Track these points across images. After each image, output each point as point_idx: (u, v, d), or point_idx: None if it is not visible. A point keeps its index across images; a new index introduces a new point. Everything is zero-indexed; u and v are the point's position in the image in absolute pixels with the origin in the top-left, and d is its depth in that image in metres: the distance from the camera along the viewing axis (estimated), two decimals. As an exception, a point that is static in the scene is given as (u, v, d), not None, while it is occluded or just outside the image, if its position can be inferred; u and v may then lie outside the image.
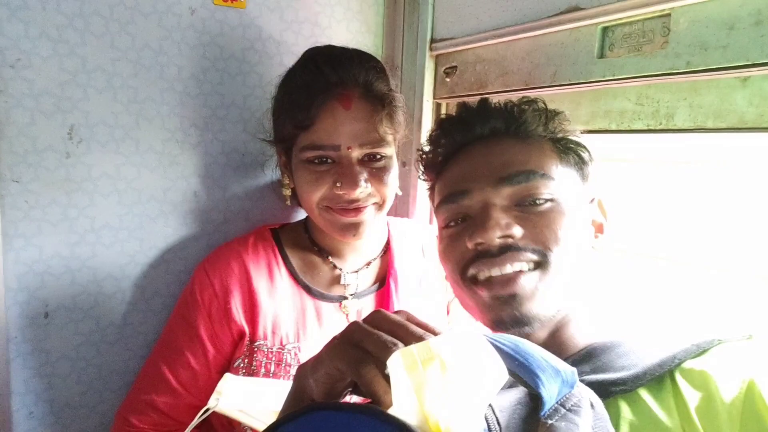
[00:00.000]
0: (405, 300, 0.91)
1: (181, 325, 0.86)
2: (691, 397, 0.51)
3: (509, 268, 0.61)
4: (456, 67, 1.04)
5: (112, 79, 0.89)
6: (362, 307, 0.91)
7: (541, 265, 0.61)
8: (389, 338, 0.44)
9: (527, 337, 0.62)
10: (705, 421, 0.49)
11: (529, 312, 0.61)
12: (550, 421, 0.48)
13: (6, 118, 0.82)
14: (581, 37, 0.80)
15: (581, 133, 0.71)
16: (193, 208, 1.00)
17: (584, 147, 0.70)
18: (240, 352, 0.85)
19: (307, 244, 0.94)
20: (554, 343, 0.64)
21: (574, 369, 0.51)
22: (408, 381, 0.43)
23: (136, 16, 0.89)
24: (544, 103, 0.69)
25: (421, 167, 0.78)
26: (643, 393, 0.55)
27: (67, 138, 0.87)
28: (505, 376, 0.47)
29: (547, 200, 0.63)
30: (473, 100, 0.74)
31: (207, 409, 0.70)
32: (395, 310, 0.70)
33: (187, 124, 0.97)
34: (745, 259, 0.79)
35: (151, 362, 0.88)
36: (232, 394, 0.71)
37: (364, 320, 0.48)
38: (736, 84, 0.66)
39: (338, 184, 0.81)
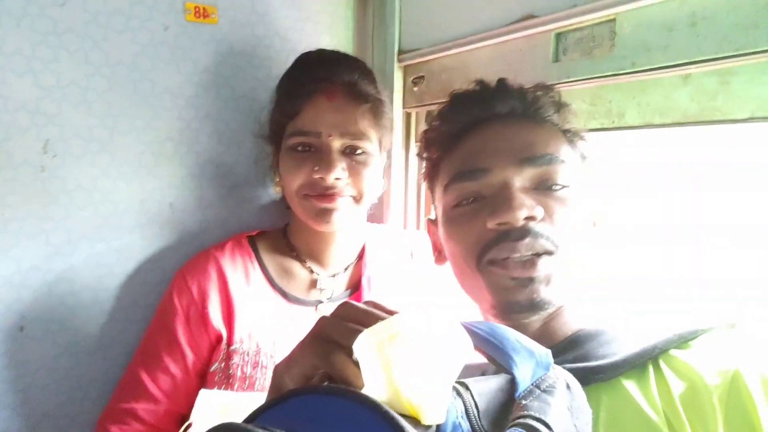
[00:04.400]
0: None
1: (160, 332, 0.88)
2: (676, 385, 0.52)
3: (529, 250, 0.60)
4: (423, 76, 1.08)
5: (87, 93, 0.91)
6: None
7: (555, 252, 0.60)
8: (354, 326, 0.45)
9: (528, 324, 0.63)
10: (689, 410, 0.50)
11: (546, 296, 0.60)
12: (524, 402, 0.48)
13: (-19, 134, 0.84)
14: (537, 43, 0.84)
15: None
16: (169, 219, 1.01)
17: (586, 142, 0.70)
18: (217, 356, 0.86)
19: (284, 250, 0.96)
20: (546, 331, 0.64)
21: (549, 351, 0.52)
22: (375, 359, 0.44)
23: (109, 33, 0.92)
24: (559, 93, 0.70)
25: (424, 143, 0.76)
26: (625, 381, 0.55)
27: (42, 152, 0.88)
28: (471, 349, 0.49)
29: (563, 186, 0.62)
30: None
31: (189, 424, 0.71)
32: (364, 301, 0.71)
33: (162, 136, 0.99)
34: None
35: (131, 370, 0.89)
36: (207, 411, 0.72)
37: (332, 313, 0.49)
38: (678, 82, 0.70)
39: (316, 168, 0.85)
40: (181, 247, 1.03)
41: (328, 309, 0.92)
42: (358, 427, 0.38)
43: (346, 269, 0.98)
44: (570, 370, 0.55)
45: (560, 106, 0.69)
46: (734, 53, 0.62)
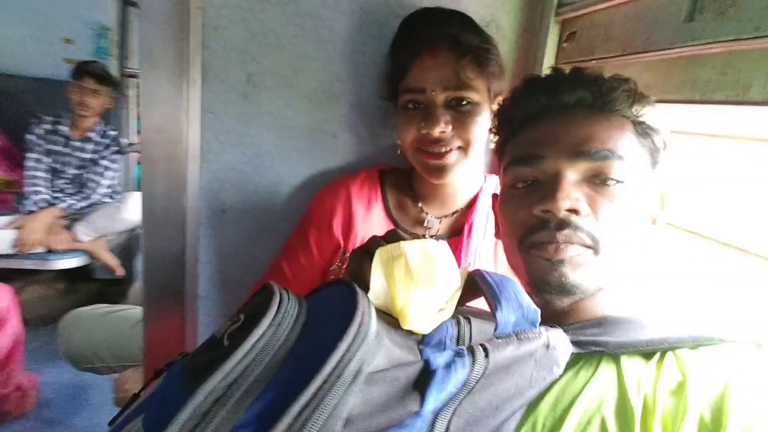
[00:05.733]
0: (475, 253, 1.00)
1: (298, 233, 1.12)
2: (667, 378, 0.54)
3: (566, 241, 0.63)
4: (576, 32, 1.03)
5: (281, 38, 1.15)
6: None
7: (593, 247, 0.63)
8: (383, 245, 0.60)
9: (557, 303, 0.68)
10: (665, 404, 0.52)
11: (575, 281, 0.63)
12: (494, 339, 0.57)
13: (210, 66, 1.15)
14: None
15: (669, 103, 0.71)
16: (330, 147, 1.23)
17: (660, 134, 0.69)
18: (335, 259, 1.07)
19: (404, 188, 1.10)
20: (574, 310, 0.68)
21: (538, 309, 0.60)
22: (381, 271, 0.59)
23: (302, -12, 1.14)
24: (635, 84, 0.69)
25: (496, 121, 0.80)
26: (625, 360, 0.58)
27: (246, 83, 1.17)
28: (457, 281, 0.61)
29: (617, 182, 0.64)
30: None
31: None
32: (465, 259, 0.85)
33: (333, 77, 1.19)
34: None
35: (278, 257, 1.16)
36: None
37: (381, 236, 0.66)
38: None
39: (422, 124, 0.94)
40: (339, 171, 1.24)
41: (429, 244, 1.04)
42: (342, 300, 0.55)
43: (453, 214, 1.06)
44: (578, 339, 0.61)
45: (636, 98, 0.67)
46: None
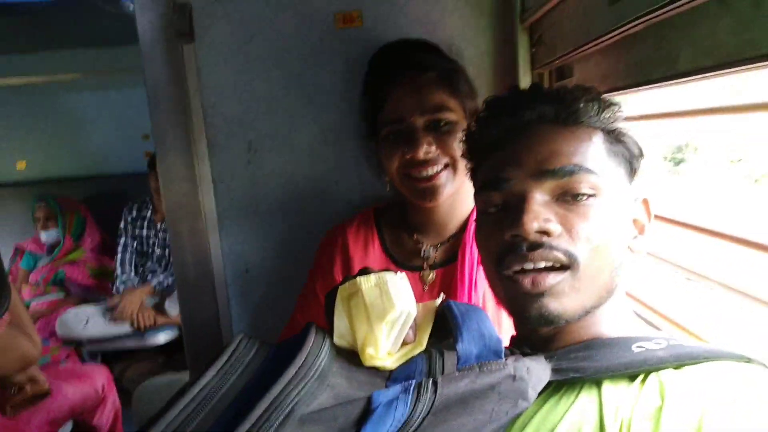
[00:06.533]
0: (471, 275, 0.97)
1: (307, 284, 1.15)
2: (647, 402, 0.51)
3: (541, 262, 0.60)
4: (541, 35, 1.01)
5: (272, 103, 1.23)
6: (435, 278, 1.02)
7: (571, 266, 0.60)
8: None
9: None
10: (643, 425, 0.49)
11: (555, 311, 0.60)
12: (455, 372, 0.56)
13: (214, 140, 1.25)
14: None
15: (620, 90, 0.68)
16: (334, 193, 1.27)
17: (635, 140, 0.66)
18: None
19: (399, 222, 1.10)
20: (563, 331, 0.64)
21: (500, 340, 0.59)
22: (342, 309, 0.62)
23: (282, 52, 1.21)
24: (599, 92, 0.67)
25: (465, 147, 0.78)
26: (607, 385, 0.55)
27: (248, 150, 1.25)
28: (413, 310, 0.61)
29: (589, 196, 0.61)
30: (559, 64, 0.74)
31: None
32: (462, 283, 0.86)
33: (326, 128, 1.25)
34: None
35: (294, 310, 1.19)
36: None
37: (353, 275, 0.66)
38: (716, 10, 0.53)
39: (405, 149, 0.95)
40: (347, 214, 1.26)
41: (428, 276, 1.02)
42: (295, 344, 0.57)
43: (449, 240, 1.04)
44: (561, 366, 0.58)
45: (603, 107, 0.64)
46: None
